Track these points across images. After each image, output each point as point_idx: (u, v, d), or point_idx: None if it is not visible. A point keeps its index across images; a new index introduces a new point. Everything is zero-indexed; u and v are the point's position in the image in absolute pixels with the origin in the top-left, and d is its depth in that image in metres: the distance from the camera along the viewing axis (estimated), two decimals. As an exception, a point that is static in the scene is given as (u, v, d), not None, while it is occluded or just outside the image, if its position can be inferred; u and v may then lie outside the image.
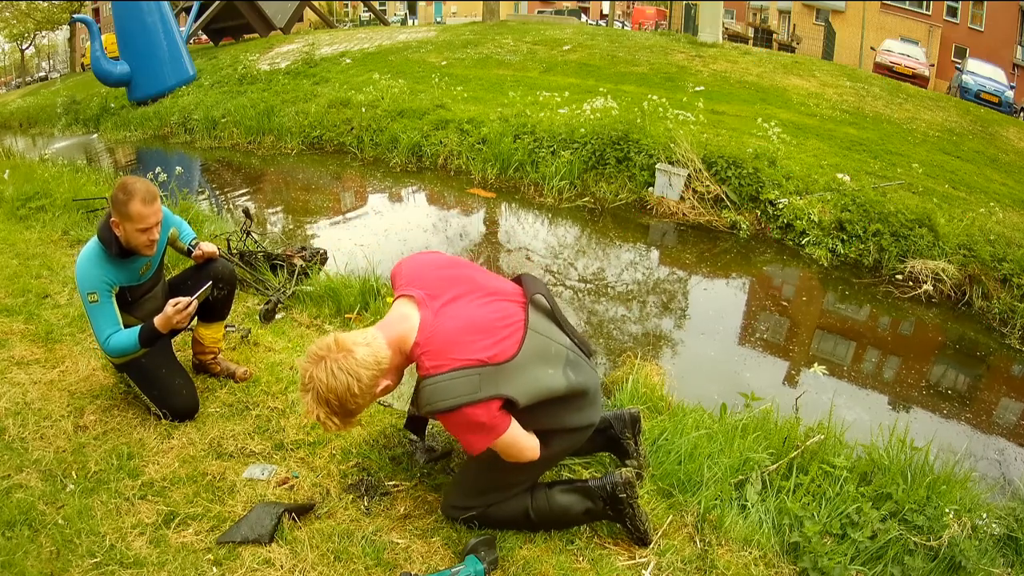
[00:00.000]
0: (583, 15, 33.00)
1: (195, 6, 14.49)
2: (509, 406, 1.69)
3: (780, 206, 5.51)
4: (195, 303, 2.33)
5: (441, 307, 1.73)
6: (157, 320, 2.29)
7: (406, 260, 1.93)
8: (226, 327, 2.98)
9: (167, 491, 2.12)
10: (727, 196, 5.72)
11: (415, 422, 2.27)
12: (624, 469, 1.96)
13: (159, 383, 2.46)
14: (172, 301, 2.29)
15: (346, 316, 3.42)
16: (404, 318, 1.73)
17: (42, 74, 39.78)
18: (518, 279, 1.93)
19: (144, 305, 2.51)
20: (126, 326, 2.37)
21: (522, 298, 1.84)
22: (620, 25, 29.19)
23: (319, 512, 2.06)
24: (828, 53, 17.76)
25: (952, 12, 21.68)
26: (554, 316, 1.90)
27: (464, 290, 1.79)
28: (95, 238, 2.33)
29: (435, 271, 1.84)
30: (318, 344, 1.66)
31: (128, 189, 2.22)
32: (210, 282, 2.50)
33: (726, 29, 15.72)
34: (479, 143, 7.07)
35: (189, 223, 2.76)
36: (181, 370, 2.57)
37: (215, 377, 2.78)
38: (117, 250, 2.29)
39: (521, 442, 1.77)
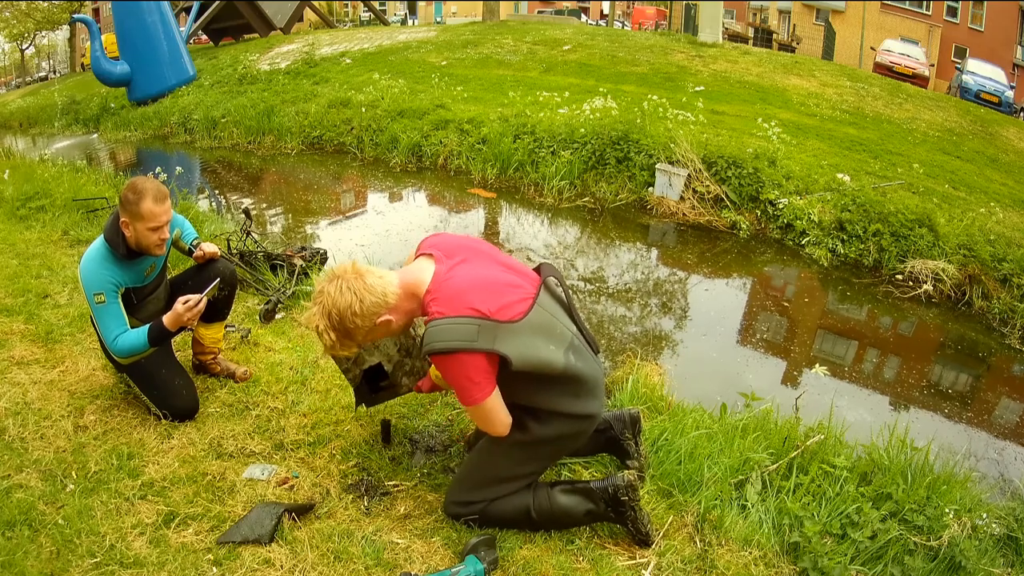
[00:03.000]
0: (583, 15, 32.99)
1: (195, 6, 14.49)
2: (502, 365, 1.75)
3: (780, 206, 5.50)
4: (205, 300, 2.33)
5: (456, 264, 1.83)
6: (167, 318, 2.29)
7: (430, 235, 2.03)
8: (226, 327, 2.98)
9: (167, 491, 2.12)
10: (727, 196, 5.72)
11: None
12: (626, 472, 1.95)
13: (159, 383, 2.46)
14: (182, 299, 2.29)
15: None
16: (421, 269, 1.85)
17: (42, 74, 39.79)
18: (537, 268, 1.99)
19: (147, 307, 2.51)
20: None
21: (537, 279, 1.92)
22: (620, 25, 29.18)
23: (319, 512, 2.06)
24: (828, 53, 17.76)
25: (952, 12, 21.68)
26: (565, 303, 1.95)
27: (482, 258, 1.89)
28: (100, 239, 2.32)
29: (456, 241, 1.95)
30: (338, 265, 1.84)
31: (138, 189, 2.22)
32: (219, 279, 2.50)
33: (726, 29, 15.71)
34: (479, 143, 7.07)
35: (189, 223, 2.76)
36: (181, 370, 2.57)
37: (215, 377, 2.78)
38: (124, 251, 2.29)
39: (498, 412, 1.82)
